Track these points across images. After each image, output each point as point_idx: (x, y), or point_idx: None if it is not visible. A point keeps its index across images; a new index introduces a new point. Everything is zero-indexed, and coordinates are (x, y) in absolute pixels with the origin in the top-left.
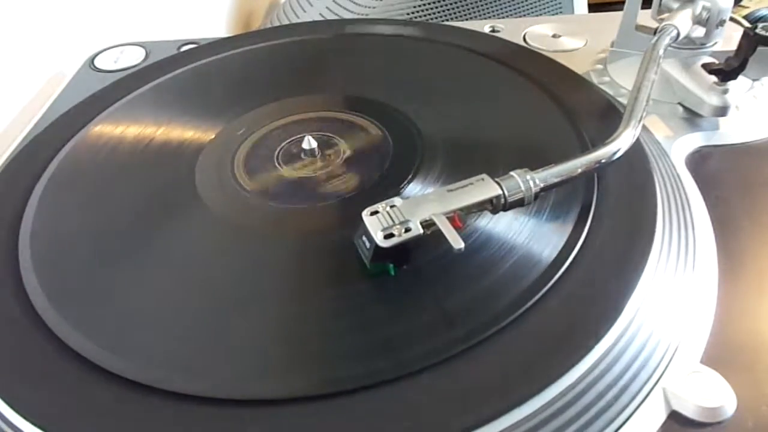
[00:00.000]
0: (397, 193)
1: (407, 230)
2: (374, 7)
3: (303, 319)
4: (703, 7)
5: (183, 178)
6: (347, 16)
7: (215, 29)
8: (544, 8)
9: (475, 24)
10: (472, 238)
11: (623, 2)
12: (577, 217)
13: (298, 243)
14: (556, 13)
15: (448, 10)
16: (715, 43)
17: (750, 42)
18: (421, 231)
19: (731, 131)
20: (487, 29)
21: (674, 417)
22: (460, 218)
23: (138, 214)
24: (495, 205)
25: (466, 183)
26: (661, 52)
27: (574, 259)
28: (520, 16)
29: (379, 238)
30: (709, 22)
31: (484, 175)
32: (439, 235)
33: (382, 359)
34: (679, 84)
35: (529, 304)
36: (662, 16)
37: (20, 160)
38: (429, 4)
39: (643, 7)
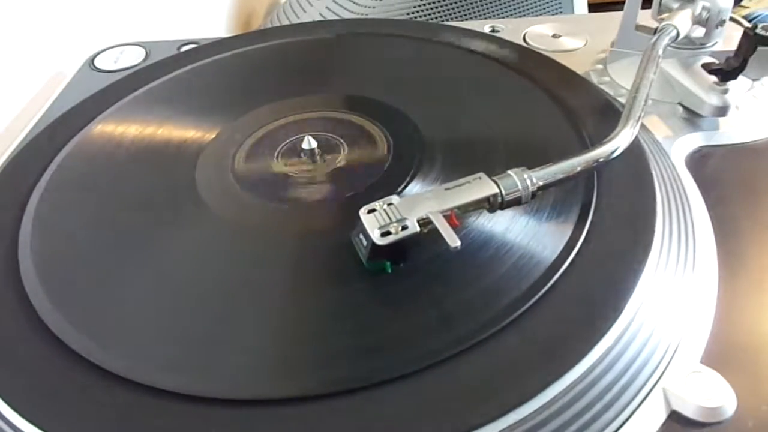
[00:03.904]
0: (397, 193)
1: (404, 228)
2: (374, 7)
3: (302, 319)
4: (703, 7)
5: (183, 178)
6: (347, 16)
7: (215, 29)
8: (544, 8)
9: (475, 24)
10: (470, 238)
11: (623, 2)
12: (576, 216)
13: (297, 243)
14: (556, 13)
15: (448, 10)
16: (715, 43)
17: (750, 42)
18: (418, 229)
19: (731, 131)
20: (487, 29)
21: (674, 417)
22: (457, 216)
23: (138, 213)
24: (492, 204)
25: (464, 181)
26: (660, 51)
27: (574, 259)
28: (520, 16)
29: (376, 236)
30: (709, 22)
31: (481, 174)
32: (437, 233)
33: (382, 359)
34: (679, 84)
35: (529, 304)
36: (662, 16)
37: (20, 160)
38: (429, 4)
39: (643, 7)
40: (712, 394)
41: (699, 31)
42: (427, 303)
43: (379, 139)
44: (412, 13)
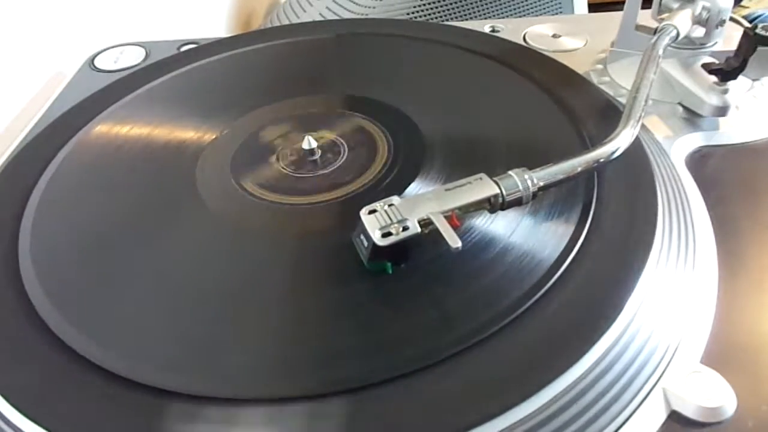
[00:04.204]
0: (397, 194)
1: (405, 229)
2: (374, 7)
3: (302, 319)
4: (703, 7)
5: (183, 178)
6: (347, 16)
7: (215, 29)
8: (544, 8)
9: (475, 24)
10: (471, 238)
11: (623, 2)
12: (577, 217)
13: (298, 243)
14: (556, 13)
15: (448, 10)
16: (715, 43)
17: (750, 42)
18: (419, 230)
19: (731, 131)
20: (487, 29)
21: (674, 417)
22: (457, 217)
23: (138, 214)
24: (493, 204)
25: (464, 182)
26: (660, 51)
27: (574, 258)
28: (520, 16)
29: (376, 236)
30: (709, 22)
31: (482, 174)
32: (438, 234)
33: (382, 359)
34: (679, 84)
35: (529, 303)
36: (662, 16)
37: (21, 160)
38: (429, 4)
39: (643, 7)
40: (712, 394)
41: (699, 31)
42: (427, 303)
43: (379, 139)
44: (412, 13)
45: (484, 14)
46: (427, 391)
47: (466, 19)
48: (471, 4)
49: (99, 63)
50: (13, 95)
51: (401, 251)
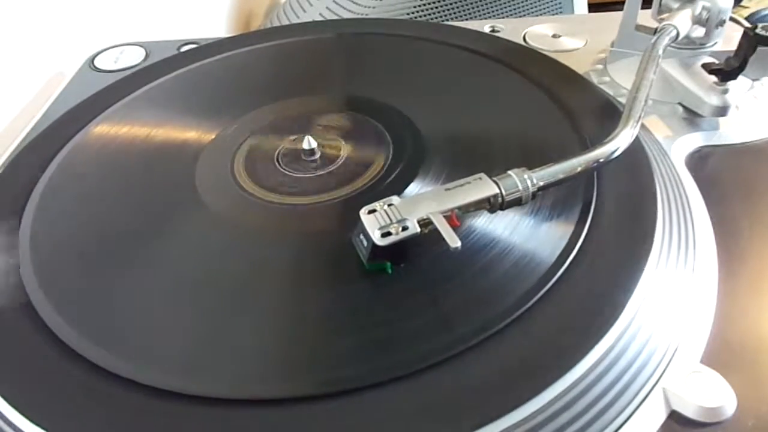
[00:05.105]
0: (397, 194)
1: (404, 229)
2: (374, 7)
3: (303, 319)
4: (703, 8)
5: (183, 178)
6: (347, 16)
7: (215, 29)
8: (544, 8)
9: (475, 24)
10: (470, 238)
11: (623, 2)
12: (577, 217)
13: (297, 243)
14: (556, 13)
15: (448, 10)
16: (715, 43)
17: (750, 42)
18: (419, 230)
19: (731, 131)
20: (487, 29)
21: (674, 417)
22: (457, 217)
23: (138, 214)
24: (492, 204)
25: (464, 182)
26: (660, 51)
27: (574, 259)
28: (520, 16)
29: (376, 236)
30: (709, 22)
31: (481, 174)
32: (437, 234)
33: (382, 359)
34: (679, 84)
35: (529, 304)
36: (662, 16)
37: (21, 160)
38: (429, 4)
39: (643, 7)
40: (712, 394)
41: (699, 31)
42: (426, 303)
43: (380, 139)
44: (413, 13)
45: (484, 14)
46: (426, 393)
47: (466, 19)
48: (471, 4)
49: (99, 63)
50: (13, 95)
51: (401, 251)
